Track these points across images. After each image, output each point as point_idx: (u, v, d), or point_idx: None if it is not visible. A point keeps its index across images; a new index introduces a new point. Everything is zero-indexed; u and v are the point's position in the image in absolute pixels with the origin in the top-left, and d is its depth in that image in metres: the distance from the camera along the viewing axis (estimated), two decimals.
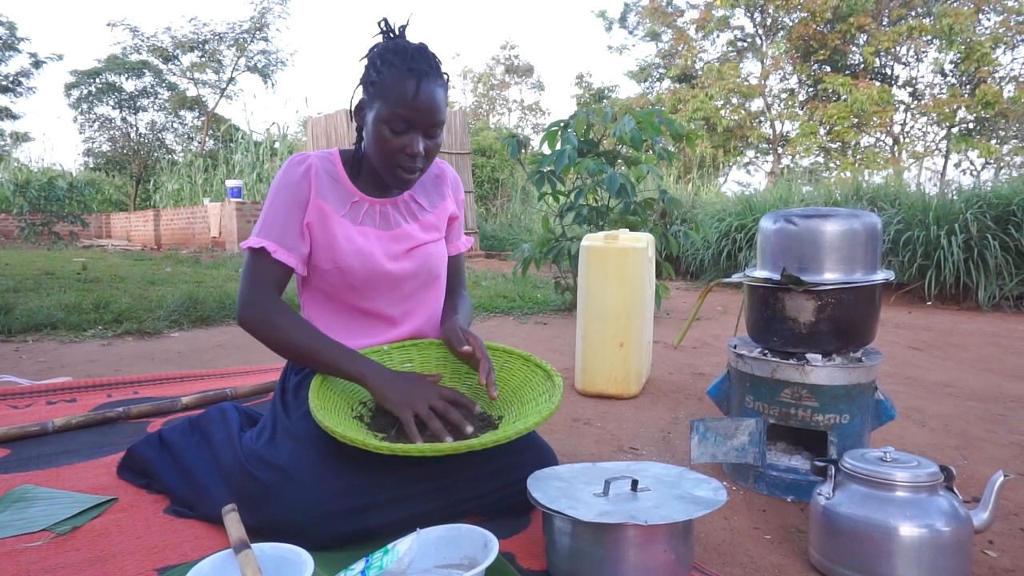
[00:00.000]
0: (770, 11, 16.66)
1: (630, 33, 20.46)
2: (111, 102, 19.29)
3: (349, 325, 1.41)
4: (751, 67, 18.04)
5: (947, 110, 14.85)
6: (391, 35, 1.33)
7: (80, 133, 20.28)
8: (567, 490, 1.10)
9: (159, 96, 19.88)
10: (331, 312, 1.41)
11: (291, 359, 1.36)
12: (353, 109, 1.35)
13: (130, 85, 19.20)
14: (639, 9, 19.59)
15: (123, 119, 19.77)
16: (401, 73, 1.24)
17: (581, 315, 2.41)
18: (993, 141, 15.43)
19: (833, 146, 16.83)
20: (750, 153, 19.00)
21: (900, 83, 16.53)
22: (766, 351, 1.52)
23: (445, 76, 1.32)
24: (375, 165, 1.33)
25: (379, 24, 1.33)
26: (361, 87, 1.33)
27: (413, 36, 1.35)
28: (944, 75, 15.82)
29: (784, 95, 17.87)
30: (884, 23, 15.82)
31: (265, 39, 19.30)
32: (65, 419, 1.82)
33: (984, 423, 2.07)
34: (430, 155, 1.32)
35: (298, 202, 1.33)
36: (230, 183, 10.92)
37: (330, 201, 1.34)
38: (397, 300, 1.42)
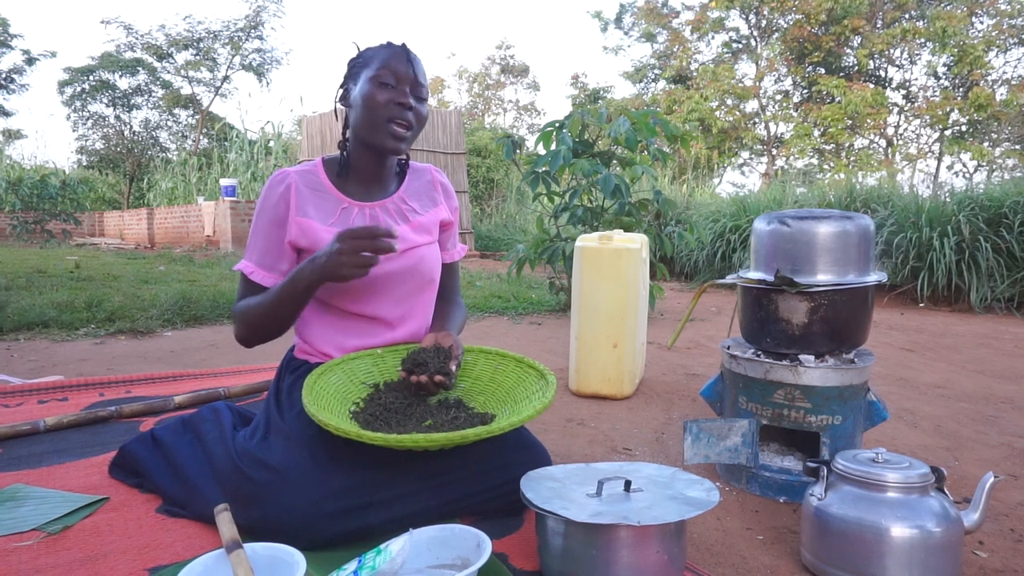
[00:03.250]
0: (765, 13, 16.72)
1: (625, 34, 20.53)
2: (105, 100, 19.16)
3: (347, 329, 1.42)
4: (746, 69, 18.13)
5: (940, 113, 14.94)
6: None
7: (73, 131, 20.16)
8: (560, 490, 1.11)
9: (153, 94, 19.78)
10: (329, 318, 1.42)
11: (278, 325, 1.34)
12: (337, 102, 1.41)
13: (124, 83, 19.10)
14: (634, 10, 19.65)
15: (117, 117, 19.66)
16: (383, 46, 1.35)
17: (575, 316, 2.41)
18: (985, 144, 15.52)
19: (827, 148, 16.90)
20: (744, 154, 19.07)
21: (894, 85, 16.63)
22: (759, 352, 1.52)
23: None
24: (366, 139, 1.36)
25: (354, 45, 1.41)
26: (345, 85, 1.40)
27: (409, 38, 1.39)
28: (937, 78, 15.92)
29: (779, 97, 17.95)
30: (878, 26, 15.90)
31: (260, 37, 19.23)
32: (57, 418, 1.82)
33: (975, 424, 2.08)
34: (419, 119, 1.37)
35: (276, 222, 1.36)
36: (224, 182, 10.90)
37: (312, 216, 1.36)
38: (392, 303, 1.42)
